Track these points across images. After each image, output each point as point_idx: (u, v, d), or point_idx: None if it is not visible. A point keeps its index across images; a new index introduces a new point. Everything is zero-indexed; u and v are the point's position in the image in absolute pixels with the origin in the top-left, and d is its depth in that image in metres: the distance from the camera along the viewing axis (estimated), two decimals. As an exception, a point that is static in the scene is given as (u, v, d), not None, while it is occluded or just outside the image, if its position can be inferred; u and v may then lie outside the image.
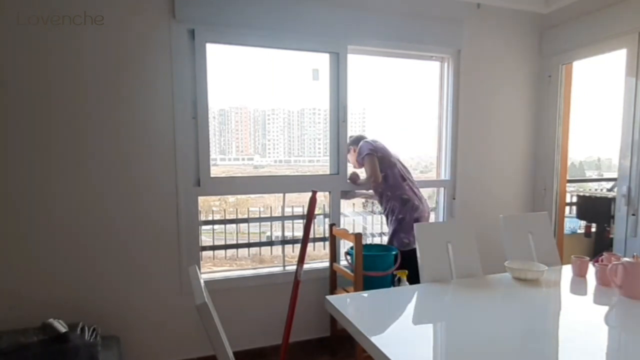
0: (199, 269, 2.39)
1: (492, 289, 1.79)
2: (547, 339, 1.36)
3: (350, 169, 2.94)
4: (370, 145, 2.79)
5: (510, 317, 1.52)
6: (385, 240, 3.27)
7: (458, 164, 3.14)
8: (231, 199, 3.32)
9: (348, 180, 2.88)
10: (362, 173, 2.89)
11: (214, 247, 3.01)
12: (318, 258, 3.11)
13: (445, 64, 3.12)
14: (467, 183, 3.18)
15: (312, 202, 2.35)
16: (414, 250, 1.94)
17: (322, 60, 2.79)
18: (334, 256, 2.79)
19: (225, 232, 3.11)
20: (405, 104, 3.23)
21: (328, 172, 2.89)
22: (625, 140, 2.70)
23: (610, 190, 4.46)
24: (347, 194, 2.98)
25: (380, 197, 2.84)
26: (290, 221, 3.12)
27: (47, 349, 1.89)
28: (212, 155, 2.57)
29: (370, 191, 2.92)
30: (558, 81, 3.18)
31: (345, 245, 2.83)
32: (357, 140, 2.90)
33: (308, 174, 2.98)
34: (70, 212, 2.26)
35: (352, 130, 2.97)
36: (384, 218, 2.92)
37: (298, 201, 3.08)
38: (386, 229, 3.29)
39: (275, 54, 2.73)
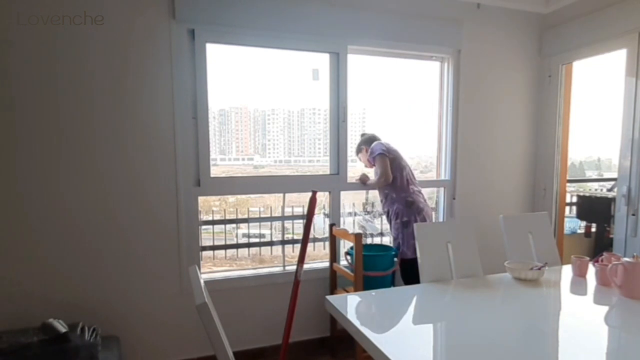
0: (199, 269, 2.39)
1: (492, 289, 1.79)
2: (547, 339, 1.36)
3: (353, 169, 2.93)
4: (382, 146, 2.78)
5: (510, 317, 1.52)
6: (385, 240, 3.27)
7: (458, 164, 3.14)
8: (231, 199, 3.32)
9: (356, 180, 2.88)
10: (371, 173, 2.88)
11: (214, 247, 3.01)
12: (318, 258, 3.10)
13: (445, 64, 3.12)
14: (467, 183, 3.18)
15: (312, 202, 2.35)
16: None
17: (322, 60, 2.79)
18: (334, 256, 2.79)
19: (225, 232, 3.10)
20: (405, 104, 3.23)
21: (328, 172, 2.89)
22: (625, 140, 2.70)
23: (610, 190, 4.46)
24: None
25: (385, 199, 2.83)
26: (290, 221, 3.12)
27: (47, 349, 1.89)
28: (212, 155, 2.58)
29: None
30: (558, 81, 3.18)
31: (345, 245, 2.83)
32: (370, 140, 2.89)
33: (308, 174, 2.98)
34: (70, 213, 2.26)
35: (352, 130, 2.97)
36: (386, 220, 2.91)
37: (298, 201, 3.08)
38: (386, 228, 3.28)
39: (275, 54, 2.73)
